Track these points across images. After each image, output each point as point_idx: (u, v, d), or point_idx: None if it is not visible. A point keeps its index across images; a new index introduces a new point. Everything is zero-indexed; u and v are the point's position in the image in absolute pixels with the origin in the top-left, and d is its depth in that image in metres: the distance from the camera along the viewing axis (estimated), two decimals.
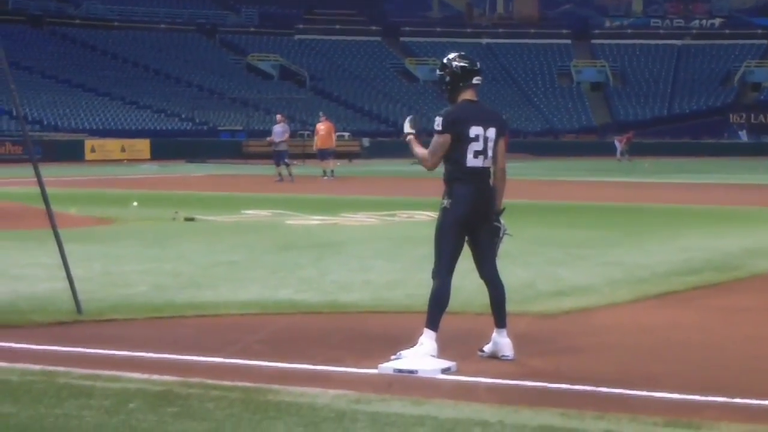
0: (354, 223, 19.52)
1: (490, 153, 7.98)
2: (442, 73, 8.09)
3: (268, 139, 37.47)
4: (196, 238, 16.58)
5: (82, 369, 7.51)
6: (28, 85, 66.84)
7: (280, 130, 36.09)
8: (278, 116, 38.22)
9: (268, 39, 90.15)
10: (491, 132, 8.00)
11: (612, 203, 25.45)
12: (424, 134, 8.41)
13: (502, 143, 8.13)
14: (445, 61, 8.12)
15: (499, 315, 8.10)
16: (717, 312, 10.58)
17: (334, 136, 39.55)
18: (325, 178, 37.17)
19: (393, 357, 7.83)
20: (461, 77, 8.02)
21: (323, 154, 38.37)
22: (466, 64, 8.07)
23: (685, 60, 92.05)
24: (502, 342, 8.06)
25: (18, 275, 12.29)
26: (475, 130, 7.93)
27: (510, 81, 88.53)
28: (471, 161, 7.92)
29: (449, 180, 7.96)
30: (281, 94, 77.89)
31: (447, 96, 8.15)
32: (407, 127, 8.21)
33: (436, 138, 7.92)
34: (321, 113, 41.89)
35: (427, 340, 7.80)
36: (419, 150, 8.06)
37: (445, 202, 7.94)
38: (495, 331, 8.10)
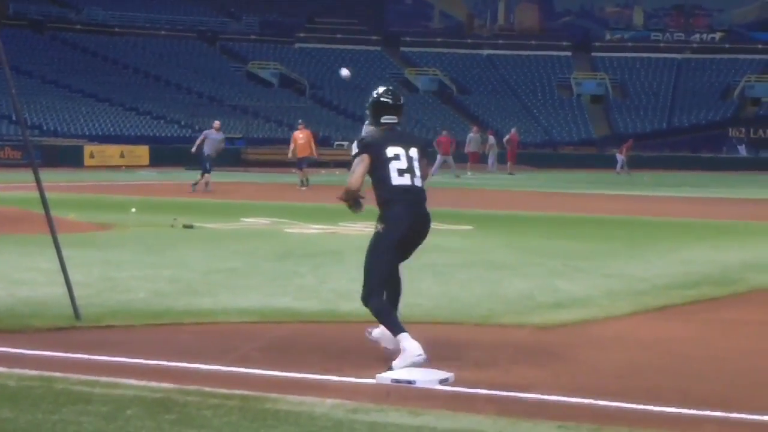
0: (353, 232, 19.50)
1: (417, 172, 8.10)
2: (369, 101, 8.56)
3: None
4: (195, 245, 16.57)
5: (80, 375, 7.50)
6: (28, 89, 66.76)
7: None
8: None
9: (269, 47, 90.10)
10: (413, 152, 8.24)
11: (611, 216, 25.39)
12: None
13: (424, 163, 8.35)
14: (373, 91, 8.59)
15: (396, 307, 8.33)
16: (716, 325, 10.58)
17: (313, 144, 37.86)
18: (303, 188, 35.54)
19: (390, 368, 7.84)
20: (377, 111, 8.42)
21: (302, 163, 36.81)
22: (382, 100, 8.46)
23: (685, 74, 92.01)
24: (386, 333, 8.21)
25: (17, 280, 12.28)
26: (393, 150, 8.17)
27: (510, 92, 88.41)
28: (396, 179, 8.12)
29: (381, 203, 8.17)
30: (281, 102, 77.80)
31: (371, 122, 8.54)
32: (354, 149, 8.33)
33: (355, 161, 8.20)
34: (300, 120, 40.60)
35: (406, 342, 7.92)
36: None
37: (379, 226, 8.07)
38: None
